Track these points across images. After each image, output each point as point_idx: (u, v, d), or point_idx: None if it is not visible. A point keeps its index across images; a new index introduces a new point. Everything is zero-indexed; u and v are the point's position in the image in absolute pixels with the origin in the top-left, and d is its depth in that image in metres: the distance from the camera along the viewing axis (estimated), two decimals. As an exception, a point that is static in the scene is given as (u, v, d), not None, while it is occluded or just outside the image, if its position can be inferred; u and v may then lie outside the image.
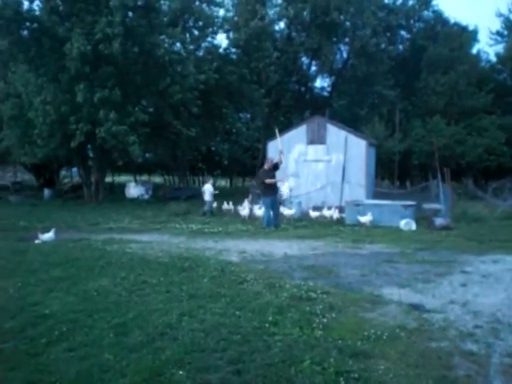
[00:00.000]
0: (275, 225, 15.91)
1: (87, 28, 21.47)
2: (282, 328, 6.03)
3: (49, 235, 13.66)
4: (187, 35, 27.15)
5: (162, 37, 24.10)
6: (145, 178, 49.97)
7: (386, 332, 5.88)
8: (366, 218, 16.13)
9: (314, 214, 18.00)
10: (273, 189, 16.33)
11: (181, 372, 4.81)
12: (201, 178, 49.43)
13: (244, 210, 18.85)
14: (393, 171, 32.15)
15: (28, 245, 12.98)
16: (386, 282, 8.55)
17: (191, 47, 27.32)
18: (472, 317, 6.59)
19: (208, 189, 21.33)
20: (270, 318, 6.34)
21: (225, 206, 20.66)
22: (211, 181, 23.37)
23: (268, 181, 16.08)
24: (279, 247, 12.36)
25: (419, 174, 37.36)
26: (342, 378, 4.66)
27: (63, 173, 48.44)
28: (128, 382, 4.64)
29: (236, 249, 12.13)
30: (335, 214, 17.74)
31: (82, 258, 10.68)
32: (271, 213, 16.10)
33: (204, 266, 9.67)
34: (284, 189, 16.08)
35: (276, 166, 16.54)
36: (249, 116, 40.02)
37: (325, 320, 6.34)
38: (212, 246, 12.77)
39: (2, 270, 9.56)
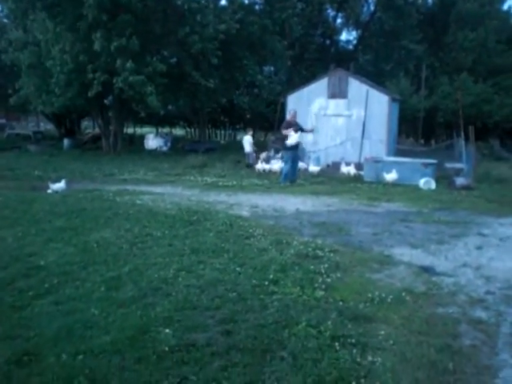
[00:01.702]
0: (292, 179, 15.57)
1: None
2: (281, 287, 5.77)
3: (60, 185, 13.51)
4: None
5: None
6: (166, 130, 49.68)
7: (392, 295, 5.58)
8: (391, 176, 15.60)
9: (345, 168, 17.68)
10: (294, 143, 15.90)
11: (167, 330, 4.58)
12: (223, 132, 49.09)
13: (260, 163, 18.51)
14: (417, 129, 31.43)
15: (38, 194, 12.87)
16: (398, 241, 8.23)
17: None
18: (484, 282, 6.27)
19: (248, 140, 21.13)
20: (271, 276, 6.09)
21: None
22: (251, 132, 22.99)
23: (284, 132, 15.69)
24: (292, 203, 12.07)
25: (444, 132, 36.57)
26: (337, 343, 4.39)
27: (85, 123, 48.49)
28: (110, 339, 4.40)
29: (248, 203, 11.88)
30: (352, 170, 17.34)
31: (89, 209, 10.49)
32: (290, 165, 15.72)
33: (212, 220, 9.43)
34: (294, 138, 15.45)
35: (301, 128, 16.12)
36: (272, 69, 39.34)
37: (328, 280, 6.07)
38: (224, 199, 12.53)
39: (6, 219, 9.39)
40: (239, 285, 5.82)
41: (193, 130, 45.57)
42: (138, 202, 11.69)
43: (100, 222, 9.15)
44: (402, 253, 7.50)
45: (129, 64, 20.75)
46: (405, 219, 10.09)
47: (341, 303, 5.34)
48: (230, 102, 34.01)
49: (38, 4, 22.25)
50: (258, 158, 19.71)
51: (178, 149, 29.18)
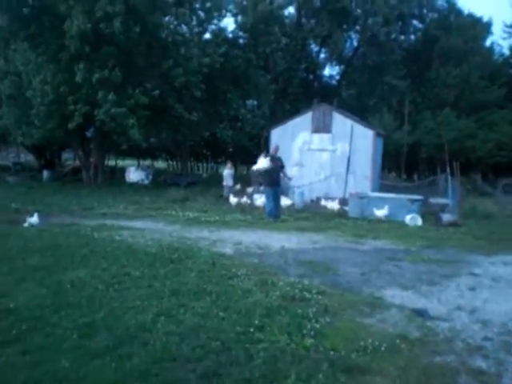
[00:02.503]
0: (275, 215, 15.24)
1: (88, 6, 20.66)
2: (268, 334, 5.38)
3: (34, 219, 13.03)
4: (193, 17, 26.33)
5: (167, 18, 23.26)
6: (148, 162, 49.42)
7: (385, 342, 5.22)
8: (381, 212, 15.37)
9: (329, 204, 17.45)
10: (276, 179, 15.62)
11: (144, 386, 4.16)
12: (204, 165, 48.90)
13: (233, 197, 18.28)
14: (400, 164, 31.43)
15: (14, 228, 12.39)
16: (387, 282, 7.89)
17: (196, 30, 26.49)
18: (481, 327, 5.93)
19: (228, 173, 20.92)
20: (257, 322, 5.69)
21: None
22: (229, 165, 22.79)
23: (260, 163, 15.43)
24: (277, 239, 11.71)
25: (427, 168, 36.66)
26: (330, 401, 4.00)
27: (66, 155, 48.03)
28: (80, 397, 3.99)
29: (231, 240, 11.50)
30: (335, 206, 17.09)
31: (65, 245, 10.05)
32: (273, 203, 15.41)
33: (194, 258, 9.04)
34: (260, 162, 15.14)
35: (282, 166, 15.87)
36: (255, 103, 39.34)
37: (317, 325, 5.68)
38: (206, 235, 12.14)
39: (-23, 256, 8.93)
40: (223, 332, 5.42)
41: (175, 162, 45.37)
42: (117, 237, 11.26)
43: (76, 260, 8.71)
44: (393, 294, 7.16)
45: (111, 96, 20.51)
46: (393, 258, 9.77)
47: (332, 352, 4.96)
48: (213, 136, 33.91)
49: (20, 34, 21.98)
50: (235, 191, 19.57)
51: (159, 182, 28.85)
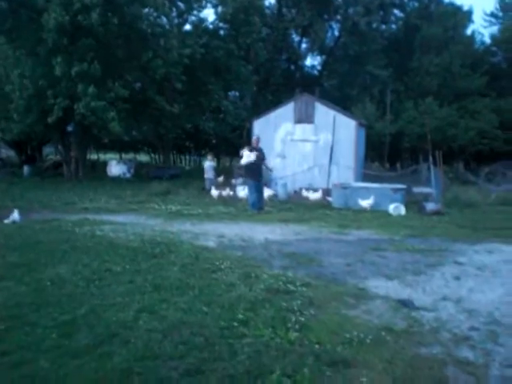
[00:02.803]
0: (259, 207, 15.15)
1: (67, -1, 20.42)
2: (252, 328, 5.28)
3: (15, 215, 12.80)
4: (173, 8, 26.08)
5: (146, 10, 22.96)
6: (131, 156, 49.04)
7: (371, 334, 5.15)
8: (367, 202, 15.35)
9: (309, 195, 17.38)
10: (258, 172, 15.52)
11: (125, 386, 4.05)
12: (187, 157, 48.63)
13: (214, 189, 18.27)
14: (383, 153, 31.45)
15: (-7, 225, 12.17)
16: (372, 272, 7.84)
17: (176, 21, 26.23)
18: (467, 316, 5.88)
19: (209, 165, 20.74)
20: (241, 316, 5.59)
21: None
22: (210, 157, 22.63)
23: (240, 152, 15.37)
24: (261, 231, 11.63)
25: (410, 157, 36.71)
26: (316, 396, 3.92)
27: (47, 149, 47.49)
28: (60, 398, 3.87)
29: (214, 233, 11.39)
30: (315, 196, 17.08)
31: (46, 242, 9.87)
32: (255, 195, 15.31)
33: (176, 252, 8.92)
34: (245, 157, 14.99)
35: (263, 158, 15.73)
36: (237, 94, 39.17)
37: (302, 318, 5.59)
38: (189, 229, 12.01)
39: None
40: (206, 327, 5.31)
41: (157, 155, 45.03)
42: (99, 232, 11.09)
43: (56, 257, 8.55)
44: (378, 285, 7.10)
45: (90, 89, 20.24)
46: (377, 248, 9.73)
47: (317, 346, 4.87)
48: (196, 128, 33.65)
49: (-3, 28, 21.67)
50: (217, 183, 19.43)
51: (141, 175, 28.60)
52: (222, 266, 7.91)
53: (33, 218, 13.61)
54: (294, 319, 5.55)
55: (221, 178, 20.94)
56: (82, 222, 12.67)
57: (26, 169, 29.60)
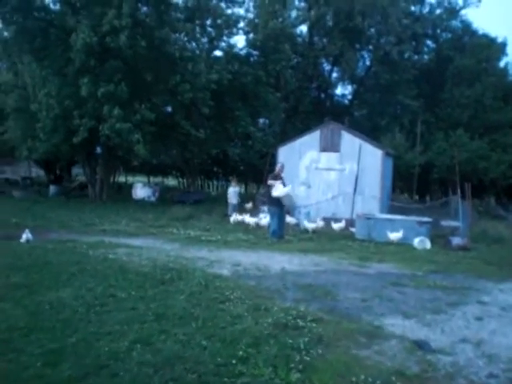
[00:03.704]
0: (279, 235, 14.77)
1: (96, 20, 20.51)
2: (251, 367, 4.92)
3: (28, 235, 12.63)
4: (203, 34, 26.16)
5: (176, 34, 22.94)
6: (158, 179, 49.23)
7: (380, 379, 4.78)
8: (395, 235, 14.71)
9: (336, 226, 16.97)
10: (279, 199, 15.18)
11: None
12: (215, 183, 48.56)
13: (235, 215, 18.09)
14: (412, 185, 30.88)
15: (8, 244, 12.02)
16: (389, 309, 7.40)
17: (206, 46, 26.26)
18: (486, 362, 5.44)
19: (232, 190, 20.48)
20: (241, 353, 5.23)
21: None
22: (234, 182, 22.43)
23: (269, 182, 14.98)
24: (278, 261, 11.24)
25: (439, 189, 36.05)
26: None
27: (76, 170, 47.92)
28: None
29: (230, 260, 11.03)
30: (338, 226, 16.66)
31: (55, 263, 9.66)
32: (277, 222, 14.94)
33: (187, 280, 8.60)
34: (279, 190, 14.69)
35: (283, 183, 15.39)
36: (267, 121, 39.12)
37: (307, 358, 5.22)
38: (205, 255, 11.68)
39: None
40: (202, 363, 4.97)
41: (185, 180, 45.07)
42: (111, 256, 10.83)
43: (61, 279, 8.31)
44: (394, 323, 6.68)
45: (116, 111, 20.20)
46: (397, 283, 9.25)
47: (319, 390, 4.49)
48: (224, 153, 33.53)
49: (25, 47, 21.81)
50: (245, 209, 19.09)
51: (166, 199, 28.45)
52: (232, 297, 7.58)
53: (49, 237, 13.48)
54: (298, 358, 5.19)
55: (249, 205, 20.56)
56: (97, 245, 12.47)
57: (51, 188, 29.74)
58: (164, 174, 49.91)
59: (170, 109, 24.85)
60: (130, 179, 49.09)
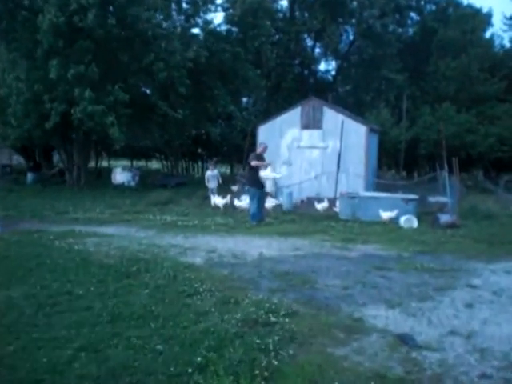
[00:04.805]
0: (259, 218, 14.08)
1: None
2: (209, 376, 4.29)
3: (-2, 226, 12.03)
4: (179, 11, 25.24)
5: (149, 12, 21.93)
6: (142, 163, 48.45)
7: (357, 385, 4.12)
8: (387, 214, 14.01)
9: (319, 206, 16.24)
10: (260, 180, 14.48)
11: None
12: (200, 165, 47.80)
13: (213, 197, 17.44)
14: (399, 161, 30.27)
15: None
16: (371, 298, 6.80)
17: (180, 23, 25.29)
18: (478, 358, 4.86)
19: (210, 174, 19.65)
20: (200, 358, 4.61)
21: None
22: (211, 166, 21.52)
23: (254, 163, 14.20)
24: (256, 246, 10.61)
25: (427, 164, 35.48)
26: None
27: (57, 156, 46.94)
28: None
29: (205, 247, 10.39)
30: (321, 206, 16.04)
31: (13, 257, 9.01)
32: (256, 205, 14.24)
33: (154, 271, 7.96)
34: (267, 173, 14.09)
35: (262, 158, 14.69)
36: (251, 100, 38.36)
37: (275, 362, 4.61)
38: (180, 242, 11.02)
39: None
40: (153, 374, 4.33)
41: (169, 163, 44.31)
42: (77, 247, 10.10)
43: (17, 276, 7.65)
44: (376, 314, 6.08)
45: (87, 93, 19.32)
46: (382, 266, 8.64)
47: (286, 403, 3.86)
48: (207, 134, 32.76)
49: (-9, 29, 20.91)
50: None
51: (147, 183, 27.66)
52: (201, 289, 6.97)
53: (18, 228, 12.74)
54: (265, 363, 4.58)
55: (235, 187, 19.77)
56: (65, 235, 11.76)
57: (29, 176, 28.84)
58: (147, 158, 49.11)
59: (145, 89, 23.98)
60: (113, 164, 48.22)
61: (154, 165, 51.13)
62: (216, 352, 4.76)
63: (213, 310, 6.05)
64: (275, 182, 17.25)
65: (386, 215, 14.01)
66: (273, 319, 5.72)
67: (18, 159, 48.68)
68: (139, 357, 4.67)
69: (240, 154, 36.91)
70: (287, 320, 5.71)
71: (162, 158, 46.18)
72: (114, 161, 49.41)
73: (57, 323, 5.56)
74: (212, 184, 19.07)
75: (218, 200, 17.02)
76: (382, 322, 5.81)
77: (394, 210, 14.01)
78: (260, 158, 14.56)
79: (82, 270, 7.98)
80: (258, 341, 5.03)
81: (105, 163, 45.61)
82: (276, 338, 5.15)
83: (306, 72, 38.58)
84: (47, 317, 5.78)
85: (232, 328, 5.41)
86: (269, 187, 14.87)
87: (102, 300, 6.40)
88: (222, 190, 19.11)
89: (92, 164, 39.05)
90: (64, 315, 5.85)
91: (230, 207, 16.83)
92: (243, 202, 16.20)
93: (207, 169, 22.49)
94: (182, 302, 6.40)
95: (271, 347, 4.89)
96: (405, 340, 5.25)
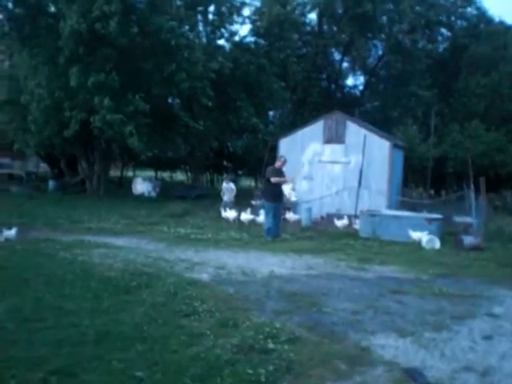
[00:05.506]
0: (275, 234, 13.62)
1: (85, 5, 19.40)
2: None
3: (10, 233, 11.83)
4: (204, 21, 25.08)
5: (173, 22, 21.74)
6: (166, 174, 48.42)
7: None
8: (417, 235, 13.22)
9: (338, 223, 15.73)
10: (278, 194, 14.04)
11: None
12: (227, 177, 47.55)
13: (224, 211, 17.04)
14: (426, 179, 29.58)
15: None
16: (382, 325, 6.28)
17: (205, 33, 25.13)
18: (493, 399, 4.31)
19: (226, 187, 19.27)
20: (182, 389, 4.14)
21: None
22: (227, 178, 21.17)
23: (274, 179, 13.78)
24: (268, 263, 10.15)
25: (455, 183, 34.70)
26: None
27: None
28: None
29: (215, 263, 9.95)
30: (341, 223, 15.56)
31: (12, 267, 8.67)
32: (272, 219, 13.78)
33: (155, 287, 7.57)
34: (286, 190, 13.78)
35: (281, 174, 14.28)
36: (277, 115, 38.07)
37: (265, 397, 4.11)
38: (189, 256, 10.61)
39: None
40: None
41: (192, 174, 44.19)
42: (81, 258, 9.77)
43: (10, 287, 7.31)
44: (385, 344, 5.55)
45: (106, 101, 19.14)
46: (397, 290, 8.10)
47: None
48: (233, 147, 32.57)
49: (13, 34, 20.84)
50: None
51: (167, 194, 27.39)
52: (200, 309, 6.53)
53: (27, 237, 12.44)
54: (253, 397, 4.08)
55: (255, 202, 19.29)
56: (73, 245, 11.48)
57: (50, 183, 28.88)
58: (172, 169, 49.00)
59: (167, 99, 23.76)
60: (139, 174, 48.29)
61: (179, 176, 51.01)
62: (201, 382, 4.32)
63: (208, 332, 5.59)
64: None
65: (415, 235, 13.33)
66: (271, 346, 5.24)
67: (44, 167, 48.99)
68: (116, 384, 4.24)
69: (266, 167, 36.59)
70: (286, 347, 5.23)
71: (186, 169, 46.03)
72: (139, 171, 49.44)
73: (38, 341, 5.17)
74: (226, 197, 18.69)
75: (229, 213, 16.59)
76: (391, 353, 5.29)
77: (424, 230, 13.35)
78: (279, 172, 14.15)
79: (80, 283, 7.61)
80: (249, 371, 4.56)
81: (130, 173, 45.67)
82: (271, 367, 4.67)
83: (332, 86, 38.17)
84: (29, 333, 5.39)
85: (225, 354, 4.96)
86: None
87: (92, 317, 6.00)
88: (244, 204, 18.62)
89: (118, 174, 39.23)
90: (47, 332, 5.45)
91: (248, 222, 16.35)
92: (248, 215, 15.82)
93: (237, 181, 22.17)
94: (177, 322, 5.97)
95: (263, 379, 4.43)
96: (413, 376, 4.72)
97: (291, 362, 4.88)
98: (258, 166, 37.34)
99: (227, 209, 17.17)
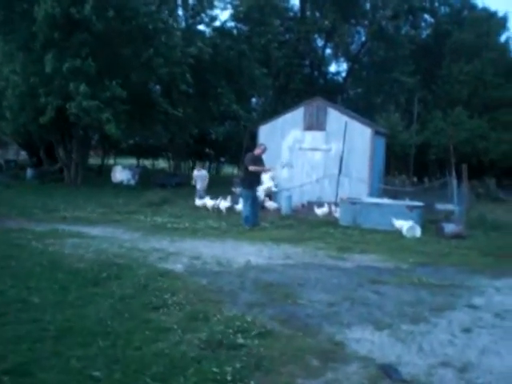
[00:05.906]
0: (253, 223, 13.37)
1: (59, -11, 18.97)
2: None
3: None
4: (186, 6, 24.65)
5: (151, 6, 21.30)
6: (148, 162, 48.04)
7: None
8: (401, 223, 12.99)
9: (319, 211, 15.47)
10: (256, 181, 13.81)
11: None
12: (207, 164, 47.26)
13: (198, 199, 16.99)
14: (409, 166, 29.48)
15: None
16: (359, 317, 6.07)
17: (184, 18, 24.76)
18: (471, 398, 4.10)
19: (196, 175, 18.93)
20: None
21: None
22: (198, 166, 20.85)
23: (252, 168, 13.51)
24: (245, 253, 9.89)
25: (438, 170, 34.70)
26: None
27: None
28: None
29: (190, 252, 9.68)
30: (321, 211, 15.33)
31: (-25, 259, 8.32)
32: (250, 208, 13.53)
33: (126, 278, 7.31)
34: (266, 180, 13.51)
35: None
36: (260, 101, 37.80)
37: (230, 397, 3.87)
38: (164, 246, 10.32)
39: None
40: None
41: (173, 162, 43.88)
42: (52, 248, 9.46)
43: (-28, 281, 6.98)
44: (360, 338, 5.35)
45: (82, 87, 18.71)
46: (376, 280, 7.90)
47: None
48: (215, 134, 32.28)
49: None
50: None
51: (147, 182, 27.01)
52: (170, 301, 6.28)
53: (1, 227, 12.12)
54: (217, 398, 3.84)
55: (236, 189, 19.03)
56: (46, 234, 11.15)
57: (28, 172, 28.38)
58: (154, 157, 48.61)
59: (146, 86, 23.31)
60: (120, 162, 47.84)
61: (161, 164, 50.63)
62: (163, 381, 4.07)
63: (175, 327, 5.35)
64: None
65: (398, 224, 13.10)
66: (240, 341, 5.00)
67: (24, 155, 48.35)
68: (71, 385, 3.98)
69: (243, 154, 36.36)
70: (257, 342, 5.00)
71: (168, 156, 45.70)
72: (121, 159, 49.00)
73: (-4, 338, 4.89)
74: (199, 185, 18.39)
75: (207, 201, 16.30)
76: (366, 347, 5.08)
77: (406, 218, 13.14)
78: (258, 159, 13.88)
79: (47, 275, 7.33)
80: (215, 369, 4.31)
81: (112, 162, 45.22)
82: (238, 365, 4.43)
83: (315, 73, 37.94)
84: (-11, 329, 5.12)
85: (191, 351, 4.72)
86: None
87: (55, 311, 5.73)
88: (226, 192, 18.34)
89: (99, 162, 38.78)
90: (6, 328, 5.18)
91: (225, 209, 16.08)
92: (225, 203, 15.59)
93: (220, 167, 21.85)
94: (144, 316, 5.72)
95: (229, 377, 4.18)
96: (388, 372, 4.51)
97: (261, 358, 4.66)
98: (240, 153, 37.15)
99: (202, 197, 16.92)
